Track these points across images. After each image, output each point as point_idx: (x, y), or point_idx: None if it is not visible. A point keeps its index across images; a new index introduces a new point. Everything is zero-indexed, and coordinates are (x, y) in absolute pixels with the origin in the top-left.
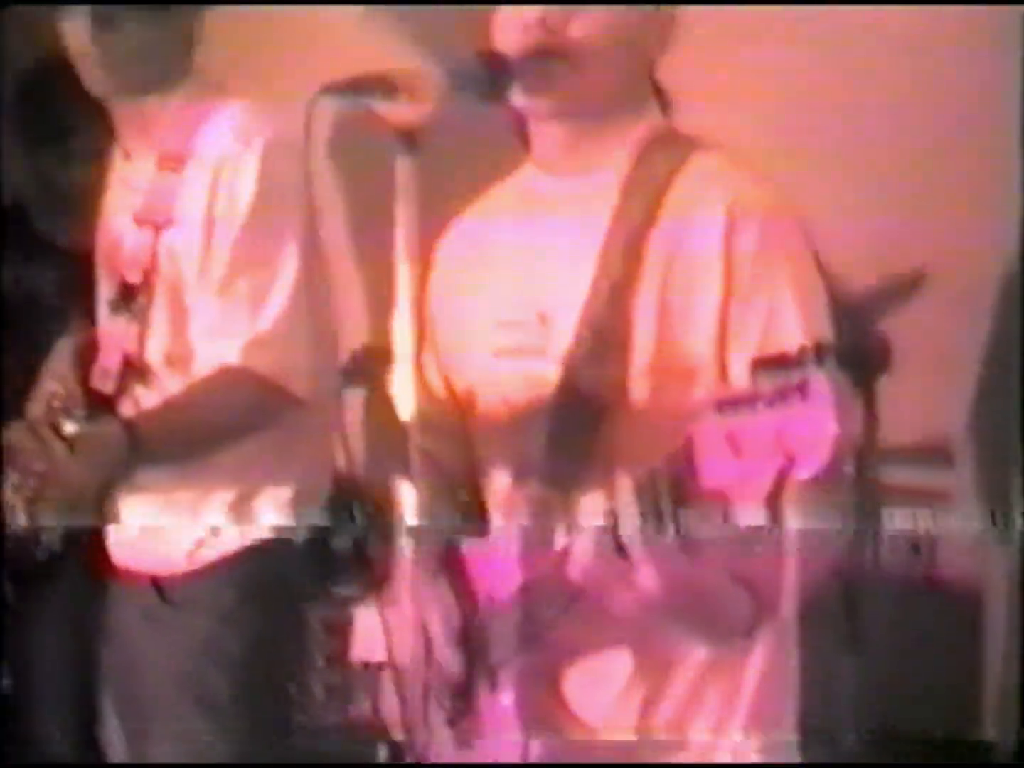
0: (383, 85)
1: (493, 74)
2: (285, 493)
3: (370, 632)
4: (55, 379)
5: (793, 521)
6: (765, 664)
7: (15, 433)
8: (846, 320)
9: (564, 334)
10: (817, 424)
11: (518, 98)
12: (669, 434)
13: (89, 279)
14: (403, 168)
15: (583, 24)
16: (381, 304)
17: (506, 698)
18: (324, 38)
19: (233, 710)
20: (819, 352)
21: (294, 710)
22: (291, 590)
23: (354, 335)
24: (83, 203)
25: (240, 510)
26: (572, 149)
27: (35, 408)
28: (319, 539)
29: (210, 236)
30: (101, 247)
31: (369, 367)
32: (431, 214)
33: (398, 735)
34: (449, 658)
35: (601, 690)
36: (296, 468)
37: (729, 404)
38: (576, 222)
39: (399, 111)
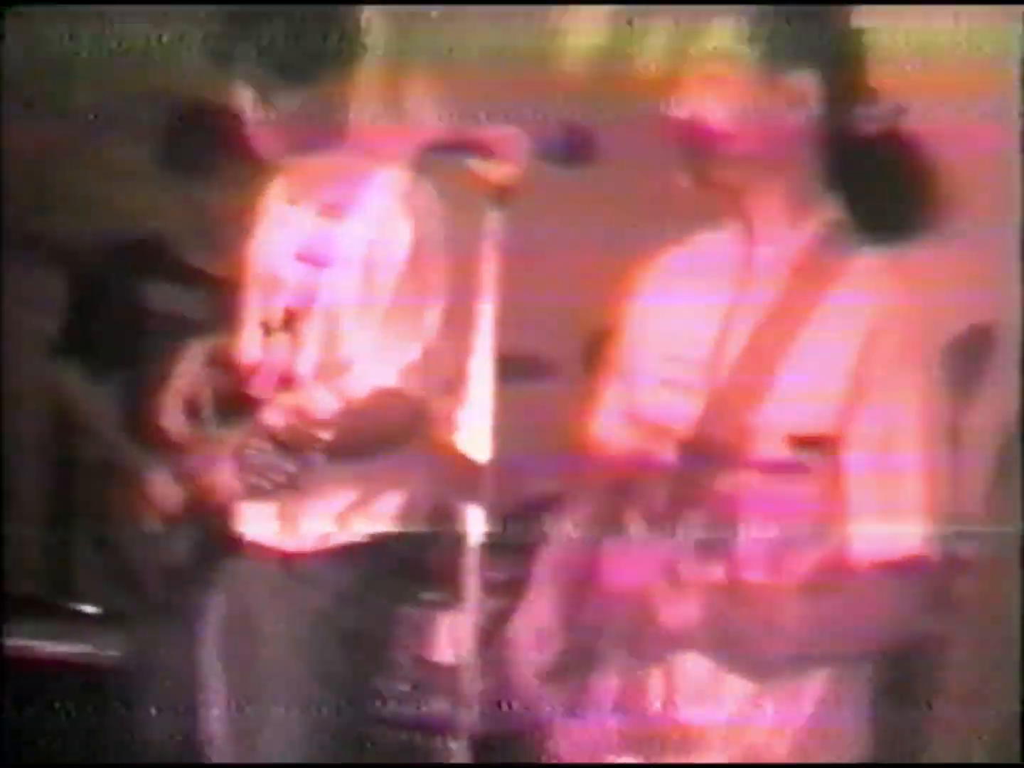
0: (478, 146)
1: (574, 144)
2: (399, 500)
3: (452, 636)
4: (186, 377)
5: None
6: (820, 702)
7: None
8: None
9: (718, 379)
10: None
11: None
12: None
13: (226, 298)
14: (492, 220)
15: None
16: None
17: (609, 681)
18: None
19: (340, 679)
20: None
21: (384, 693)
22: (393, 586)
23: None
24: (226, 234)
25: (361, 508)
26: (758, 222)
27: (169, 406)
28: (415, 547)
29: (369, 279)
30: (257, 276)
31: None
32: (517, 261)
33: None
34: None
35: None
36: (411, 480)
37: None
38: (750, 285)
39: (492, 169)
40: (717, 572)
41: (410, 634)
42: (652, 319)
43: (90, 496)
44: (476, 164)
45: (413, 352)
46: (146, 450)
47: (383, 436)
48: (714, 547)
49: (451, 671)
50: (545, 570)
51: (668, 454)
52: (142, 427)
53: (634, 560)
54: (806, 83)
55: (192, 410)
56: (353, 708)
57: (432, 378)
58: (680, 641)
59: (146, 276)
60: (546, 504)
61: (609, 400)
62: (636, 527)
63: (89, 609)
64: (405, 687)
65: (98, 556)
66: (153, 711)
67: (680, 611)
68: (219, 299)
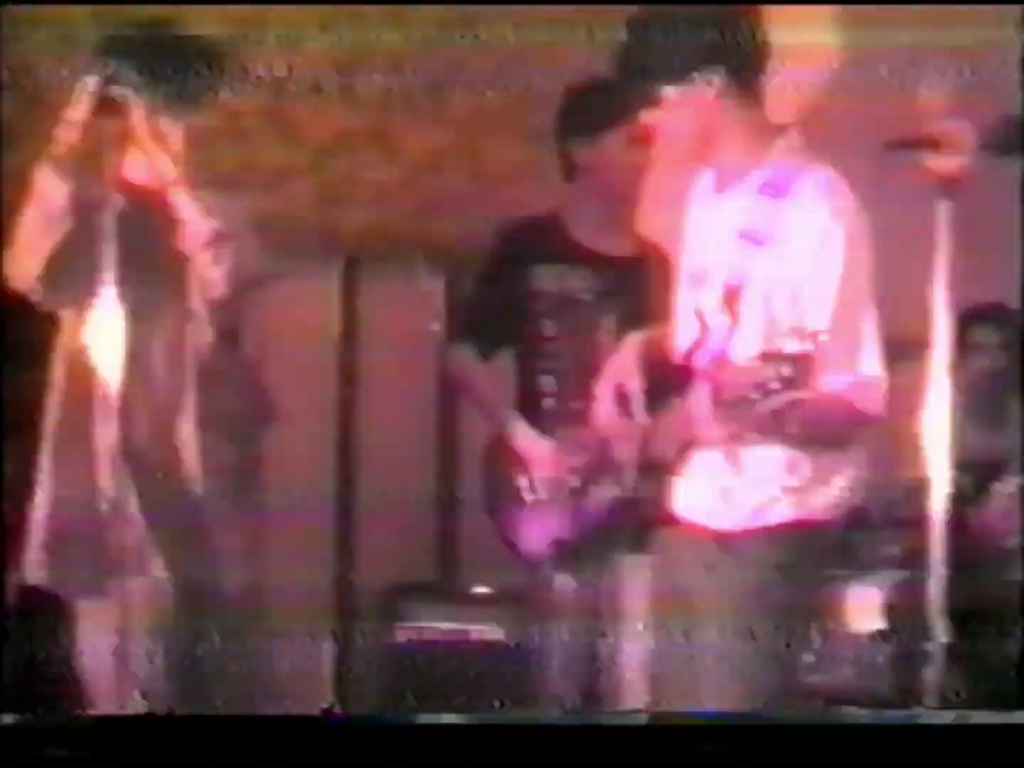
0: (930, 142)
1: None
2: (837, 488)
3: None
4: (619, 371)
5: None
6: None
7: None
8: None
9: None
10: None
11: None
12: None
13: (629, 282)
14: (943, 211)
15: None
16: None
17: None
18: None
19: (771, 646)
20: None
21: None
22: (818, 562)
23: None
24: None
25: (803, 493)
26: None
27: (601, 396)
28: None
29: (800, 273)
30: (690, 260)
31: None
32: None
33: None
34: None
35: None
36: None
37: None
38: None
39: (940, 163)
40: None
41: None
42: None
43: (478, 477)
44: (928, 158)
45: (864, 365)
46: (541, 425)
47: (823, 435)
48: None
49: (857, 641)
50: None
51: None
52: (532, 404)
53: None
54: None
55: (623, 402)
56: (778, 676)
57: (881, 385)
58: None
59: (537, 257)
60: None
61: None
62: None
63: (481, 590)
64: (811, 658)
65: (491, 536)
66: (552, 686)
67: None
68: (615, 280)
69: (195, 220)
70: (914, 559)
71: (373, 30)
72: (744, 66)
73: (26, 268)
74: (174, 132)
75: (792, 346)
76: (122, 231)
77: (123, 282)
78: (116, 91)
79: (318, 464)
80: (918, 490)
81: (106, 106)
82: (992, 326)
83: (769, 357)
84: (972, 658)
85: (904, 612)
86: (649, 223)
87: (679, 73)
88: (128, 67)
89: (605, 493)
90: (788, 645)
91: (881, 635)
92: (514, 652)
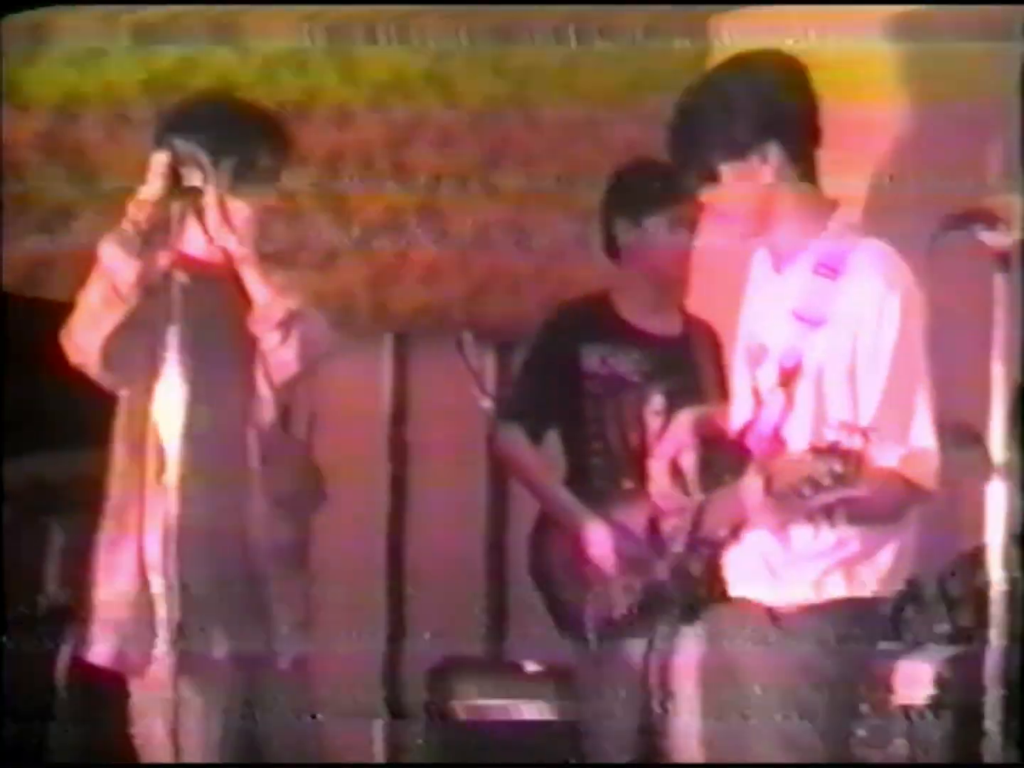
0: (986, 216)
1: None
2: (886, 561)
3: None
4: (674, 445)
5: None
6: None
7: None
8: None
9: None
10: None
11: None
12: None
13: (678, 361)
14: (1000, 284)
15: None
16: None
17: None
18: None
19: (823, 720)
20: None
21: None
22: (871, 636)
23: None
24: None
25: (852, 568)
26: None
27: (655, 471)
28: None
29: (855, 351)
30: (747, 337)
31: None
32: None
33: None
34: None
35: None
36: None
37: None
38: None
39: (996, 238)
40: None
41: (870, 681)
42: None
43: (523, 552)
44: (983, 233)
45: (918, 439)
46: (589, 505)
47: (875, 509)
48: None
49: (910, 715)
50: None
51: None
52: (582, 483)
53: None
54: None
55: (677, 476)
56: (830, 750)
57: (931, 460)
58: None
59: (586, 336)
60: None
61: None
62: None
63: (531, 667)
64: (863, 732)
65: (540, 612)
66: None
67: None
68: (664, 359)
69: (268, 299)
70: (966, 634)
71: (422, 107)
72: (800, 142)
73: (87, 344)
74: (240, 210)
75: (844, 440)
76: (187, 309)
77: (186, 361)
78: (186, 168)
79: (369, 540)
80: (971, 564)
81: (175, 183)
82: None
83: (820, 452)
84: None
85: (956, 687)
86: (700, 301)
87: (736, 150)
88: (197, 144)
89: (657, 568)
90: (840, 719)
91: (933, 709)
92: (564, 727)
